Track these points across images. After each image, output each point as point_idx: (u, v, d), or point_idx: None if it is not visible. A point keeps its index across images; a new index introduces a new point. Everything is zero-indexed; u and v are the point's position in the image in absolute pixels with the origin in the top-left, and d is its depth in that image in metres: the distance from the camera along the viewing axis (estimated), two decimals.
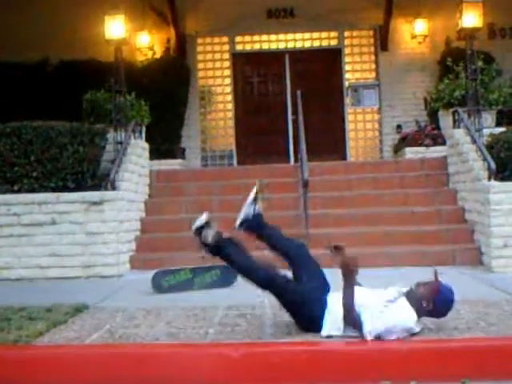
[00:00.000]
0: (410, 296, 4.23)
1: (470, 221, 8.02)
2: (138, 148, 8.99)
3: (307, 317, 4.22)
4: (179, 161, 11.62)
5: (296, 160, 10.37)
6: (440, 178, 9.06)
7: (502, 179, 7.18)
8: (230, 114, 13.21)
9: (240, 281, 4.21)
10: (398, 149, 12.04)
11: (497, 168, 7.22)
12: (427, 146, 11.02)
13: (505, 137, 7.55)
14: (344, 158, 12.60)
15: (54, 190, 7.59)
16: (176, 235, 8.23)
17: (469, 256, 7.53)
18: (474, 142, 8.07)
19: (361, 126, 13.17)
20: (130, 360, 4.10)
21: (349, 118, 13.04)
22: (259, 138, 12.74)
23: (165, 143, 11.42)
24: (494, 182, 7.13)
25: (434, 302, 4.15)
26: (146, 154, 9.44)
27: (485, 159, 7.51)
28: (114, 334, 4.56)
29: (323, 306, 4.17)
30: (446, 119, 9.65)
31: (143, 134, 9.61)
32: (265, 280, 4.22)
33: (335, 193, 8.79)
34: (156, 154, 10.24)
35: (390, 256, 7.57)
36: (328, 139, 12.54)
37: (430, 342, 4.14)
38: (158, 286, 6.19)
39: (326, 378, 3.85)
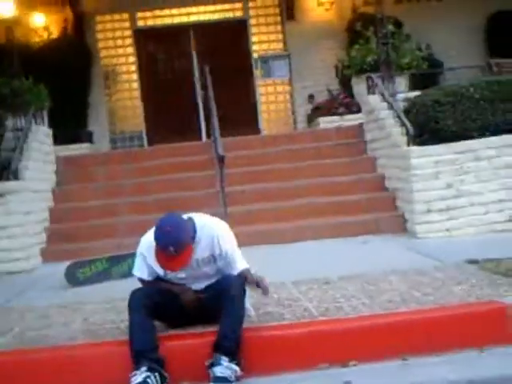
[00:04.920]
0: None
1: (391, 188, 7.91)
2: (41, 134, 8.43)
3: None
4: (87, 145, 11.11)
5: (209, 137, 10.04)
6: (357, 146, 8.91)
7: (421, 144, 7.06)
8: (137, 94, 12.73)
9: None
10: (311, 119, 11.88)
11: (414, 133, 7.10)
12: (341, 114, 10.91)
13: (421, 100, 7.42)
14: (257, 132, 12.31)
15: None
16: (88, 223, 7.81)
17: (392, 223, 7.41)
18: (390, 107, 7.93)
19: (272, 98, 12.93)
20: (43, 367, 3.71)
21: (260, 90, 12.76)
22: (168, 116, 12.30)
23: (70, 128, 10.84)
24: (413, 147, 7.01)
25: None
26: (50, 139, 8.87)
27: (403, 124, 7.38)
28: (23, 338, 4.14)
29: None
30: (359, 86, 9.48)
31: (45, 120, 9.01)
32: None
33: (252, 168, 8.51)
34: (62, 139, 9.67)
35: (313, 229, 7.38)
36: (240, 114, 12.22)
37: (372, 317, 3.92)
38: (73, 279, 5.76)
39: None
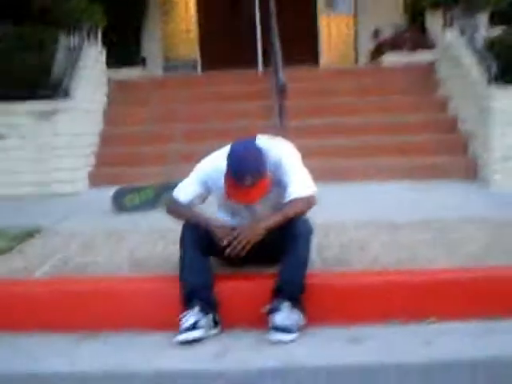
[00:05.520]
0: None
1: (463, 131, 7.31)
2: (94, 53, 8.01)
3: None
4: (140, 70, 10.64)
5: (266, 67, 9.51)
6: (428, 84, 8.28)
7: (503, 85, 6.42)
8: (193, 20, 12.16)
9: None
10: (375, 56, 11.15)
11: (497, 73, 6.47)
12: (408, 51, 10.22)
13: (504, 39, 6.75)
14: (317, 66, 11.70)
15: None
16: (139, 149, 7.43)
17: (464, 169, 6.84)
18: (469, 44, 7.28)
19: (335, 32, 12.24)
20: (83, 299, 3.37)
21: (322, 23, 12.08)
22: (225, 45, 11.74)
23: (124, 52, 10.40)
24: (495, 89, 6.38)
25: None
26: (103, 59, 8.45)
27: (484, 63, 6.73)
28: (68, 264, 3.82)
29: None
30: (433, 20, 8.81)
31: (99, 39, 8.58)
32: None
33: (313, 101, 7.99)
34: (114, 62, 9.25)
35: (376, 169, 6.88)
36: (299, 46, 11.56)
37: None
38: (120, 206, 5.42)
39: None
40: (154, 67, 11.59)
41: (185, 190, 3.41)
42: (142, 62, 11.23)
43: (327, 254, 3.76)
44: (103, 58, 8.49)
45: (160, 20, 11.97)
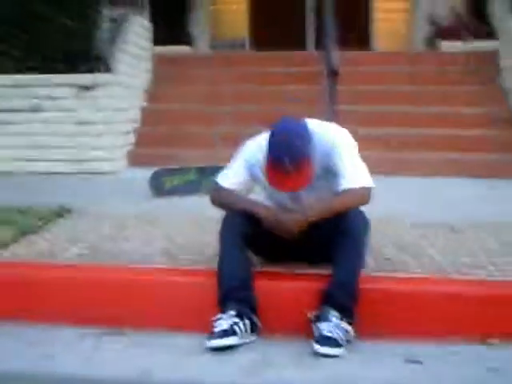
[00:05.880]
0: None
1: None
2: (138, 26, 7.72)
3: None
4: (186, 47, 10.31)
5: (316, 46, 9.10)
6: (488, 74, 7.80)
7: None
8: None
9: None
10: (430, 43, 10.66)
11: None
12: (467, 39, 9.70)
13: None
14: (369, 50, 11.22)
15: (36, 71, 6.39)
16: (182, 129, 7.15)
17: None
18: None
19: (389, 17, 11.74)
20: (108, 289, 3.07)
21: (376, 7, 11.59)
22: (275, 24, 11.32)
23: (169, 28, 10.08)
24: None
25: None
26: (148, 34, 8.15)
27: None
28: (96, 250, 3.52)
29: None
30: (497, 6, 8.29)
31: (145, 13, 8.28)
32: None
33: (364, 87, 7.58)
34: (159, 39, 8.94)
35: (429, 164, 6.48)
36: (351, 27, 11.09)
37: None
38: (158, 188, 5.12)
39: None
40: (201, 45, 11.24)
41: (229, 176, 3.07)
42: (188, 39, 10.92)
43: (381, 255, 3.39)
44: (149, 32, 8.17)
45: None
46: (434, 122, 7.03)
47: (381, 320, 2.83)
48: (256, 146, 3.03)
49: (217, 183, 3.10)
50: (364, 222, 2.93)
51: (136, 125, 7.16)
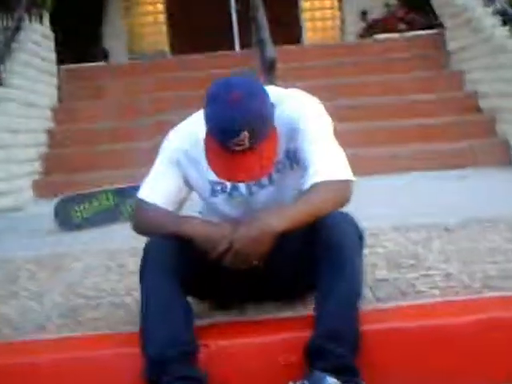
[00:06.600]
0: None
1: (486, 109, 6.07)
2: (37, 35, 6.59)
3: None
4: (102, 64, 9.28)
5: (242, 48, 8.20)
6: (437, 58, 7.06)
7: None
8: (161, 7, 10.83)
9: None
10: (364, 38, 9.93)
11: None
12: (401, 31, 8.96)
13: None
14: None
15: None
16: (97, 149, 6.10)
17: (493, 153, 5.63)
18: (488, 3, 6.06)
19: (319, 14, 10.99)
20: None
21: (304, 5, 10.81)
22: (197, 33, 10.39)
23: (81, 45, 9.01)
24: None
25: None
26: (50, 44, 7.00)
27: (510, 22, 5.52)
28: None
29: None
30: None
31: (46, 22, 7.17)
32: None
33: (307, 81, 6.62)
34: (71, 58, 7.86)
35: (392, 159, 5.61)
36: (281, 27, 10.24)
37: None
38: (66, 221, 4.03)
39: None
40: (118, 61, 10.22)
41: (154, 186, 2.07)
42: (104, 55, 9.91)
43: (372, 276, 2.42)
44: (50, 41, 7.05)
45: (122, 7, 10.64)
46: (387, 113, 6.18)
47: (389, 372, 1.85)
48: (185, 133, 2.08)
49: (139, 200, 2.08)
50: (355, 230, 1.95)
51: (42, 149, 6.06)
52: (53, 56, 6.99)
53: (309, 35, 10.76)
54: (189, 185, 2.07)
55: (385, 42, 7.72)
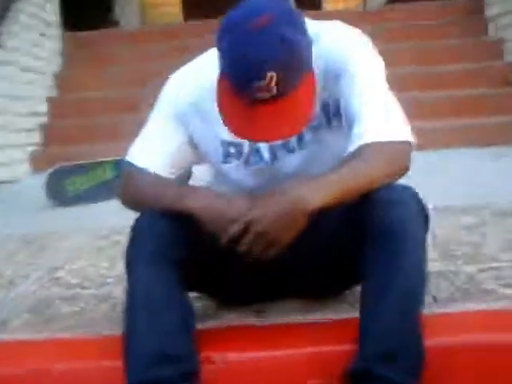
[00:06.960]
0: None
1: None
2: None
3: None
4: (110, 30, 8.79)
5: None
6: (474, 25, 6.48)
7: None
8: None
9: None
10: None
11: None
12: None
13: None
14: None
15: None
16: (102, 120, 5.62)
17: None
18: None
19: None
20: None
21: None
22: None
23: (90, 14, 8.57)
24: None
25: None
26: (55, 7, 6.51)
27: None
28: None
29: None
30: None
31: None
32: None
33: None
34: (79, 25, 7.39)
35: (422, 134, 5.05)
36: None
37: None
38: (58, 195, 3.57)
39: None
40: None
41: (148, 148, 1.57)
42: (115, 25, 9.47)
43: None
44: (56, 7, 6.57)
45: None
46: (415, 85, 5.66)
47: None
48: (190, 78, 1.57)
49: (126, 163, 1.60)
50: (420, 210, 1.44)
51: (43, 119, 5.60)
52: (58, 21, 6.52)
53: (330, 4, 10.22)
54: (194, 146, 1.58)
55: (416, 6, 7.16)
